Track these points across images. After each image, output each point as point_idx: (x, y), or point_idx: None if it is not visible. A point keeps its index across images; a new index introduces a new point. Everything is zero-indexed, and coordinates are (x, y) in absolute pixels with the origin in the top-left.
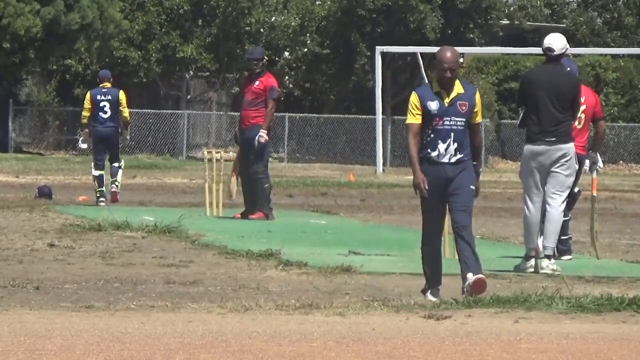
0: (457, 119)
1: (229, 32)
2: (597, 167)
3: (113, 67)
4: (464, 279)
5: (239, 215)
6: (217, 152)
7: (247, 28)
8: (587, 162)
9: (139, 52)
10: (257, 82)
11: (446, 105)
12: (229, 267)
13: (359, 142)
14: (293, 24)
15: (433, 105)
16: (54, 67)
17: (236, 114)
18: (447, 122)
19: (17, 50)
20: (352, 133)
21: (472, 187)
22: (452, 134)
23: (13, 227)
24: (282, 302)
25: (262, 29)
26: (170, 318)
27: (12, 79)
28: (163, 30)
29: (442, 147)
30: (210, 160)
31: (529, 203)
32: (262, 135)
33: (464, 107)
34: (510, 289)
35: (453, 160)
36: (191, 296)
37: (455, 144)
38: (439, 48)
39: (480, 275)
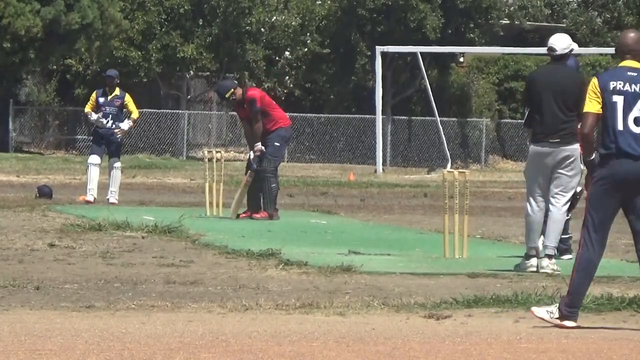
0: None
1: (230, 31)
2: None
3: (113, 67)
4: None
5: (245, 215)
6: (217, 152)
7: (247, 28)
8: None
9: (139, 52)
10: (244, 105)
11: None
12: (229, 267)
13: (359, 141)
14: (293, 23)
15: None
16: (54, 67)
17: (236, 113)
18: None
19: (18, 50)
20: (352, 133)
21: None
22: None
23: (13, 227)
24: (282, 302)
25: (262, 29)
26: (170, 318)
27: (13, 79)
28: (163, 30)
29: None
30: (210, 160)
31: (532, 202)
32: (258, 148)
33: None
34: (510, 289)
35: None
36: (191, 296)
37: None
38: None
39: None
